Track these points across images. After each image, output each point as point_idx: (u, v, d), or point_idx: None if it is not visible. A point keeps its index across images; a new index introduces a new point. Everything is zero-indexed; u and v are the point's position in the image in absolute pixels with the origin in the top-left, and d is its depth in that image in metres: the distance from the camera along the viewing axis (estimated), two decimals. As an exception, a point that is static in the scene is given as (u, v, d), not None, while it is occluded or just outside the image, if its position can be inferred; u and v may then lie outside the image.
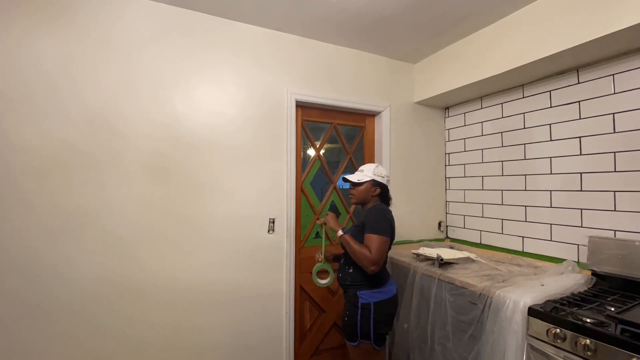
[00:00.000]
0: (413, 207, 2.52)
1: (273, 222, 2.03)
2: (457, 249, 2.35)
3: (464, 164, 2.51)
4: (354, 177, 1.68)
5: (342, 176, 1.84)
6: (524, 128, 2.07)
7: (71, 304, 1.57)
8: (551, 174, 1.92)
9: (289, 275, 2.06)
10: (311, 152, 2.34)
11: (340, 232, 1.60)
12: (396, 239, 2.37)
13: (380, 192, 1.67)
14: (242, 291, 1.94)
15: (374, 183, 1.65)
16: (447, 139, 2.70)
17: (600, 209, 1.69)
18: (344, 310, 1.60)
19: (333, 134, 2.42)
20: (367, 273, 1.50)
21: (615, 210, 1.63)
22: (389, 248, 1.56)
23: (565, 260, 1.78)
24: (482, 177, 2.36)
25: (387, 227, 1.52)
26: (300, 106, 2.21)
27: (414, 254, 2.18)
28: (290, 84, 2.11)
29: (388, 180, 1.71)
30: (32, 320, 1.51)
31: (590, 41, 1.49)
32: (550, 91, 1.93)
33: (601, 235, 1.65)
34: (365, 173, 1.67)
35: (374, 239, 1.48)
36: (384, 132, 2.43)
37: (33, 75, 1.54)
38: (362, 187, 1.65)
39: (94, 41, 1.65)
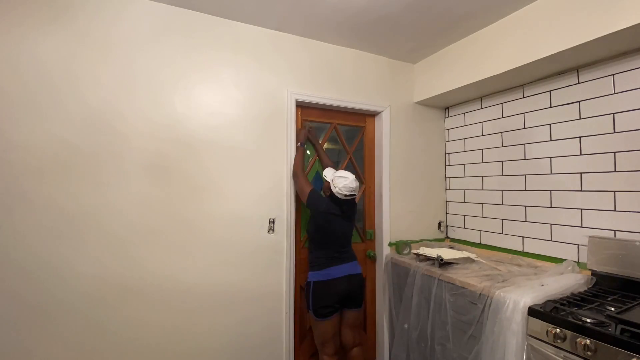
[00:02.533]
0: (413, 207, 2.52)
1: (273, 222, 2.03)
2: (457, 249, 2.35)
3: (464, 164, 2.51)
4: (326, 172, 2.00)
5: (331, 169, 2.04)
6: (524, 128, 2.07)
7: (70, 304, 1.57)
8: (551, 174, 1.92)
9: (289, 276, 2.06)
10: (311, 152, 2.33)
11: (299, 144, 2.09)
12: (396, 238, 2.40)
13: (330, 195, 1.91)
14: (242, 291, 1.94)
15: (329, 187, 1.91)
16: (447, 139, 2.70)
17: (600, 209, 1.69)
18: None
19: (333, 134, 2.42)
20: (311, 258, 1.91)
21: (615, 210, 1.63)
22: (321, 235, 1.90)
23: (565, 260, 1.78)
24: (482, 177, 2.36)
25: (314, 197, 1.91)
26: (301, 106, 2.21)
27: (414, 254, 2.18)
28: (290, 84, 2.11)
29: (344, 195, 1.84)
30: (31, 320, 1.51)
31: (590, 41, 1.49)
32: (550, 91, 1.93)
33: (601, 235, 1.65)
34: (328, 175, 1.95)
35: (305, 183, 1.97)
36: (384, 132, 2.43)
37: (33, 74, 1.54)
38: (325, 184, 1.98)
39: (94, 41, 1.65)
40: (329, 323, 1.83)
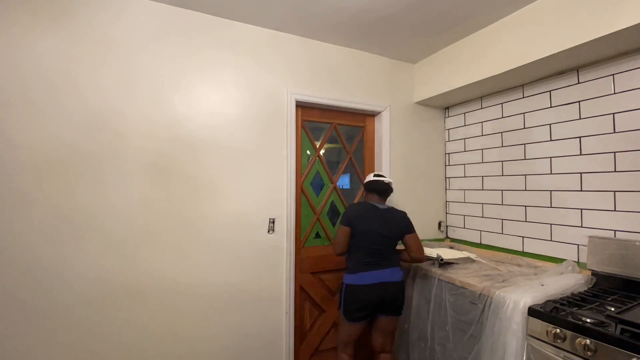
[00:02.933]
0: (413, 207, 2.51)
1: (273, 222, 2.03)
2: (457, 249, 2.35)
3: (464, 164, 2.51)
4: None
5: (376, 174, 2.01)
6: (524, 128, 2.07)
7: (69, 305, 1.57)
8: (551, 174, 1.92)
9: (289, 276, 2.06)
10: (311, 152, 2.34)
11: None
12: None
13: (365, 189, 1.97)
14: (241, 291, 1.94)
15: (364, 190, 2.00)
16: (447, 139, 2.70)
17: (600, 209, 1.69)
18: None
19: (333, 134, 2.42)
20: (347, 261, 1.85)
21: (615, 210, 1.63)
22: (357, 236, 1.81)
23: (565, 260, 1.78)
24: (482, 177, 2.36)
25: (343, 218, 1.86)
26: (300, 106, 2.21)
27: (414, 254, 2.17)
28: (290, 84, 2.11)
29: (372, 179, 1.93)
30: (29, 321, 1.51)
31: (590, 41, 1.49)
32: (550, 91, 1.93)
33: (601, 235, 1.65)
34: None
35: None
36: (384, 132, 2.43)
37: (33, 74, 1.54)
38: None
39: (94, 41, 1.65)
40: (356, 327, 1.78)
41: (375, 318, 1.83)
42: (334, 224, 2.38)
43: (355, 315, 1.75)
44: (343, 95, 2.28)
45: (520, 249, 2.08)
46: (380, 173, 1.99)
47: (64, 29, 1.60)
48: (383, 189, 1.90)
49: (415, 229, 2.63)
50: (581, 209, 1.77)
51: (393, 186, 1.96)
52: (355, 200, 2.46)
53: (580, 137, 1.78)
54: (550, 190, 1.92)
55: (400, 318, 1.88)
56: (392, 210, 1.90)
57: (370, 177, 1.96)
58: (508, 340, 1.41)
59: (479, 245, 2.36)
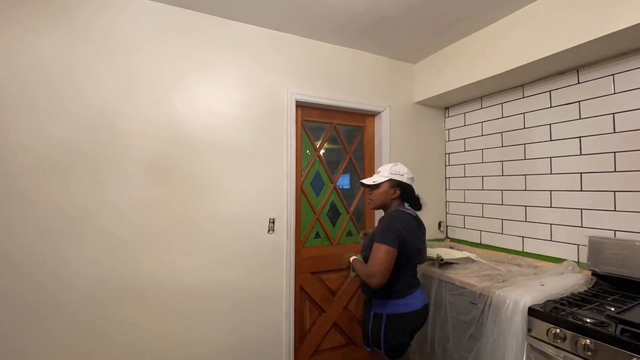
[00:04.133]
0: (413, 207, 2.52)
1: (273, 222, 2.03)
2: (457, 249, 2.35)
3: (464, 164, 2.51)
4: (369, 180, 1.55)
5: (360, 181, 1.67)
6: (524, 128, 2.07)
7: (69, 305, 1.57)
8: (551, 174, 1.92)
9: (289, 275, 2.06)
10: (311, 152, 2.33)
11: (351, 257, 1.54)
12: (396, 239, 2.40)
13: (401, 193, 1.51)
14: (241, 291, 1.93)
15: (393, 184, 1.50)
16: (447, 139, 2.70)
17: (600, 209, 1.69)
18: (363, 314, 1.58)
19: (333, 134, 2.42)
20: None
21: (615, 210, 1.63)
22: (405, 258, 1.42)
23: (565, 260, 1.78)
24: (482, 177, 2.36)
25: (392, 236, 1.36)
26: (300, 106, 2.21)
27: (414, 254, 2.17)
28: (290, 84, 2.11)
29: (411, 179, 1.53)
30: (29, 321, 1.50)
31: (590, 41, 1.49)
32: (550, 91, 1.93)
33: (601, 235, 1.65)
34: (381, 174, 1.53)
35: (375, 250, 1.36)
36: (384, 132, 2.43)
37: (32, 74, 1.53)
38: (379, 190, 1.51)
39: (93, 41, 1.65)
40: None
41: None
42: (334, 224, 2.37)
43: (399, 348, 1.42)
44: (343, 95, 2.28)
45: (520, 249, 2.08)
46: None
47: (63, 28, 1.60)
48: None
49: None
50: (581, 209, 1.77)
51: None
52: (355, 201, 2.45)
53: (580, 137, 1.78)
54: (550, 190, 1.92)
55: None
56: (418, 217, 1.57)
57: (404, 173, 1.49)
58: (508, 340, 1.41)
59: (479, 245, 2.36)
